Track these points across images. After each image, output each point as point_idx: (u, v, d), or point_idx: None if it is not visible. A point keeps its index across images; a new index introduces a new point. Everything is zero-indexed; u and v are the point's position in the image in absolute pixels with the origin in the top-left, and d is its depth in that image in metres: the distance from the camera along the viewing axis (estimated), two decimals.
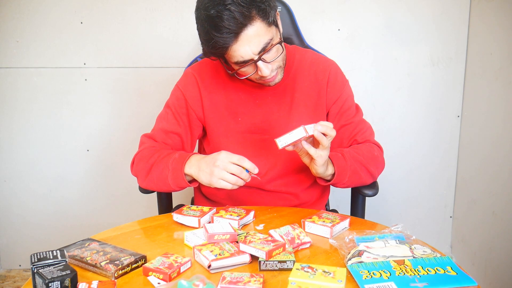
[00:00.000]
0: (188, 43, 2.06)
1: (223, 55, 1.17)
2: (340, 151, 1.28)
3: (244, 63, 1.17)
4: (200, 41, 1.17)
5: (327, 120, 1.37)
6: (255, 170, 1.15)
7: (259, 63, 1.16)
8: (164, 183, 1.25)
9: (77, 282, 0.86)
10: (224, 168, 1.14)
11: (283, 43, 1.21)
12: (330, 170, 1.22)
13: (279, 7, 1.57)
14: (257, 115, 1.35)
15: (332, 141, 1.37)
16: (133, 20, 2.06)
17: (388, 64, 2.11)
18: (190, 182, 1.25)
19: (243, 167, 1.15)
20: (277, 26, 1.19)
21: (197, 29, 1.17)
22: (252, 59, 1.16)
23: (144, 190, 1.41)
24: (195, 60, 1.57)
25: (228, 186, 1.15)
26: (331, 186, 1.53)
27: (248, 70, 1.21)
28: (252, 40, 1.12)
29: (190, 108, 1.36)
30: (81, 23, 2.06)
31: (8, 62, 2.09)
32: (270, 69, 1.19)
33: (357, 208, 1.45)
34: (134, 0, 2.04)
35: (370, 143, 1.37)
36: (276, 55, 1.19)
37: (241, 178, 1.15)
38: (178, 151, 1.30)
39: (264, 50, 1.15)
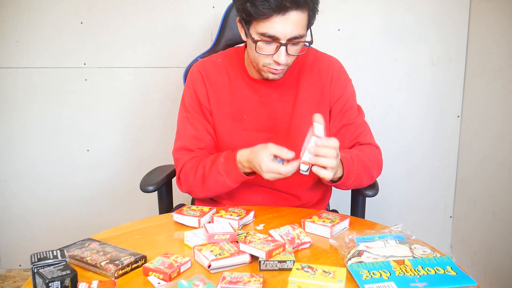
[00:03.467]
0: (188, 43, 2.06)
1: (255, 19, 1.15)
2: (349, 153, 1.26)
3: (270, 38, 1.16)
4: None
5: (330, 117, 1.37)
6: (288, 155, 1.11)
7: (282, 48, 1.17)
8: (224, 187, 1.26)
9: (77, 282, 0.87)
10: (271, 173, 1.13)
11: (307, 48, 1.23)
12: (338, 173, 1.20)
13: None
14: (262, 113, 1.35)
15: None
16: (133, 20, 2.06)
17: (388, 64, 2.11)
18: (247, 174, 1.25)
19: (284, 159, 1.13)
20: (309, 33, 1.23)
21: None
22: (279, 40, 1.16)
23: (145, 189, 1.41)
24: (195, 60, 1.57)
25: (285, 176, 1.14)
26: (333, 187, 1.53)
27: (266, 49, 1.19)
28: (292, 24, 1.14)
29: (202, 105, 1.35)
30: (81, 23, 2.06)
31: (8, 62, 2.09)
32: (286, 60, 1.19)
33: (357, 208, 1.45)
34: (134, 0, 2.04)
35: (372, 146, 1.37)
36: (297, 53, 1.22)
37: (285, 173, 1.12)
38: (218, 156, 1.28)
39: (294, 39, 1.17)
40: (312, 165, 1.09)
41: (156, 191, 1.46)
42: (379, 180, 1.44)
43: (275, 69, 1.22)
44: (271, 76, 1.25)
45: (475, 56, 2.04)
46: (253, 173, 1.24)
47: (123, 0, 2.04)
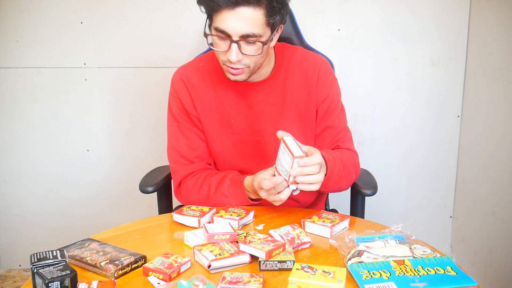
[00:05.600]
0: (187, 43, 2.06)
1: (213, 12, 1.13)
2: (331, 153, 1.23)
3: (222, 34, 1.13)
4: None
5: (316, 118, 1.36)
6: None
7: (233, 45, 1.13)
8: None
9: (77, 282, 0.87)
10: (270, 191, 1.15)
11: (265, 47, 1.18)
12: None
13: None
14: (249, 116, 1.34)
15: (314, 141, 1.37)
16: (133, 20, 2.06)
17: (388, 64, 2.11)
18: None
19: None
20: (272, 32, 1.18)
21: None
22: (230, 37, 1.13)
23: (145, 190, 1.41)
24: None
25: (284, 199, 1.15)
26: None
27: (220, 45, 1.16)
28: (244, 21, 1.10)
29: (189, 114, 1.35)
30: (81, 23, 2.06)
31: (8, 62, 2.09)
32: (238, 59, 1.15)
33: (357, 208, 1.45)
34: (134, 0, 2.04)
35: (351, 151, 1.37)
36: (254, 53, 1.16)
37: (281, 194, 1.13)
38: (224, 177, 1.29)
39: (247, 37, 1.13)
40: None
41: (156, 192, 1.46)
42: (378, 180, 1.44)
43: (232, 68, 1.18)
44: (231, 77, 1.22)
45: (475, 56, 2.04)
46: (258, 198, 1.24)
47: (123, 0, 2.04)
